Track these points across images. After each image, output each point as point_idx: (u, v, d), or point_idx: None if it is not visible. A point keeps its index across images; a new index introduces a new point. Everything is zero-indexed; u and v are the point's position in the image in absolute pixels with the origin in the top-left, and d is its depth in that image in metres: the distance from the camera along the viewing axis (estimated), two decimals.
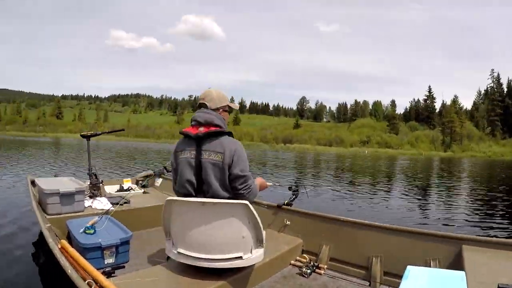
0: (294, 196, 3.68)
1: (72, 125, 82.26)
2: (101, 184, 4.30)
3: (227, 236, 2.29)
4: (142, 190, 4.85)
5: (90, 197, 4.01)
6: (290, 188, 3.73)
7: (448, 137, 70.06)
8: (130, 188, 4.78)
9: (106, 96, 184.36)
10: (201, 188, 2.30)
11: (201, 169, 2.27)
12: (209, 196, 2.28)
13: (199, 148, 2.29)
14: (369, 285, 2.79)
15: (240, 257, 2.32)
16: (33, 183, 4.15)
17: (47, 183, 3.66)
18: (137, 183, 5.12)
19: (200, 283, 2.23)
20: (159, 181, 5.23)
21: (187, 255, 2.29)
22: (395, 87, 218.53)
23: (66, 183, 3.76)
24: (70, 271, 2.01)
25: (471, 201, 10.05)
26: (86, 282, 1.92)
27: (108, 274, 2.47)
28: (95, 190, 4.12)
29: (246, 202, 2.24)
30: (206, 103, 2.41)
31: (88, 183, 4.16)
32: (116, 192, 4.62)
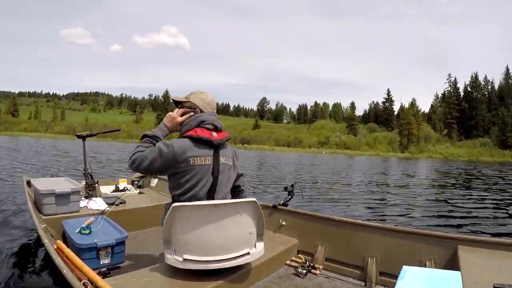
0: (289, 197, 3.68)
1: (27, 123, 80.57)
2: (96, 185, 4.28)
3: (238, 234, 2.33)
4: (138, 191, 4.84)
5: (86, 197, 3.99)
6: (285, 189, 3.74)
7: (405, 139, 71.49)
8: (125, 188, 4.76)
9: (65, 94, 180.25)
10: (213, 194, 2.31)
11: (219, 174, 2.29)
12: (220, 199, 2.32)
13: (216, 154, 2.29)
14: (365, 285, 2.80)
15: (248, 253, 2.37)
16: (28, 183, 4.13)
17: (42, 184, 3.64)
18: (132, 183, 5.11)
19: (196, 284, 2.23)
20: (154, 182, 5.22)
21: (195, 260, 2.27)
22: (355, 91, 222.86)
23: (62, 184, 3.74)
24: (65, 271, 2.01)
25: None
26: (82, 282, 1.91)
27: (104, 275, 2.47)
28: (90, 191, 4.10)
29: (254, 199, 2.32)
30: (203, 92, 2.46)
31: (84, 183, 4.14)
32: (111, 192, 4.60)
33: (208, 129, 2.29)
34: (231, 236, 2.30)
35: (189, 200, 2.25)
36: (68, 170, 11.32)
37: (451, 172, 22.07)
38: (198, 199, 2.26)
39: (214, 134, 2.28)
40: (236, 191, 2.44)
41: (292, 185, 3.75)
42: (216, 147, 2.29)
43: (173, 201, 2.29)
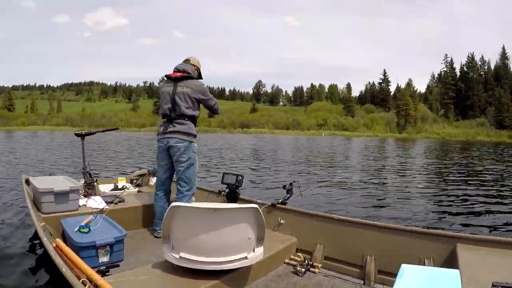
0: (288, 195, 3.69)
1: (24, 117, 78.89)
2: (95, 183, 4.28)
3: (235, 239, 2.35)
4: (137, 189, 4.83)
5: (85, 196, 3.99)
6: (284, 187, 3.74)
7: (402, 120, 71.12)
8: (124, 187, 4.76)
9: (59, 85, 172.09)
10: (174, 109, 3.49)
11: (175, 96, 3.48)
12: (179, 113, 3.48)
13: (175, 85, 3.51)
14: (364, 283, 2.80)
15: (245, 257, 2.40)
16: (27, 182, 4.12)
17: (41, 182, 3.64)
18: (131, 182, 5.11)
19: (195, 282, 2.24)
20: (153, 180, 5.21)
21: (191, 259, 2.29)
22: (350, 73, 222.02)
23: (61, 182, 3.74)
24: (64, 269, 2.01)
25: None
26: (81, 280, 1.92)
27: (103, 273, 2.47)
28: (89, 189, 4.10)
29: (256, 206, 2.36)
30: (189, 58, 3.78)
31: (83, 181, 4.14)
32: (110, 191, 4.60)
33: (174, 71, 3.62)
34: (229, 240, 2.32)
35: (162, 115, 3.62)
36: (67, 167, 11.26)
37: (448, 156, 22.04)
38: (165, 115, 3.55)
39: (178, 74, 3.56)
40: (211, 111, 3.76)
41: (290, 184, 3.75)
42: (175, 81, 3.53)
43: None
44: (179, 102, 3.47)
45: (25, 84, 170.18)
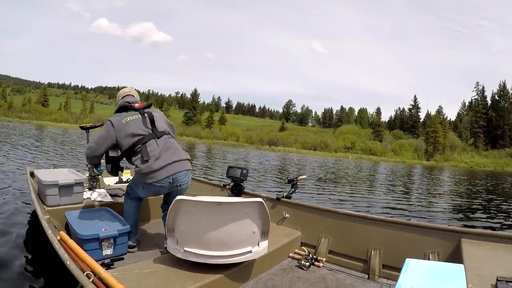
0: (293, 189, 3.68)
1: (57, 114, 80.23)
2: (100, 176, 4.28)
3: (240, 233, 2.35)
4: None
5: (89, 188, 4.00)
6: (289, 181, 3.73)
7: (431, 147, 70.61)
8: (129, 180, 4.76)
9: (93, 87, 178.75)
10: (156, 129, 3.04)
11: (153, 119, 3.08)
12: (161, 131, 3.05)
13: (143, 114, 3.09)
14: (368, 278, 2.80)
15: (250, 251, 2.39)
16: (32, 174, 4.14)
17: (46, 175, 3.65)
18: None
19: (199, 276, 2.24)
20: None
21: (195, 253, 2.30)
22: (381, 98, 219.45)
23: (65, 175, 3.75)
24: (69, 262, 2.02)
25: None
26: (85, 273, 1.92)
27: (107, 266, 2.47)
28: (94, 182, 4.10)
29: (261, 199, 2.36)
30: (132, 94, 3.34)
31: (87, 174, 4.15)
32: (115, 184, 4.61)
33: (130, 103, 3.21)
34: (233, 234, 2.32)
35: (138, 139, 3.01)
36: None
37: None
38: (146, 136, 3.01)
39: (137, 105, 3.20)
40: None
41: (296, 178, 3.74)
42: (141, 111, 3.14)
43: None
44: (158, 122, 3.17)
45: (60, 83, 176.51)
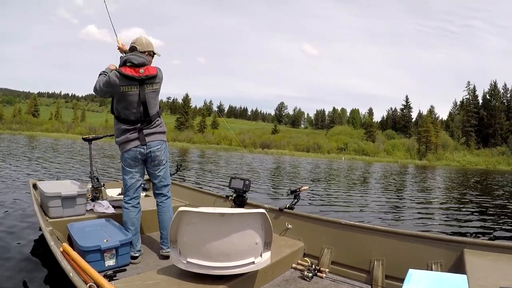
0: (295, 200, 3.68)
1: (48, 124, 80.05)
2: (102, 187, 4.29)
3: (243, 244, 2.35)
4: (144, 194, 4.83)
5: (92, 200, 4.01)
6: (291, 192, 3.74)
7: (423, 146, 70.94)
8: None
9: (83, 95, 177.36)
10: (147, 113, 3.05)
11: (146, 99, 3.01)
12: (153, 114, 3.07)
13: (142, 86, 2.99)
14: None
15: (253, 262, 2.39)
16: (35, 186, 4.15)
17: (48, 186, 3.66)
18: None
19: (200, 287, 2.24)
20: None
21: (198, 264, 2.30)
22: (373, 99, 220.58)
23: (68, 186, 3.76)
24: (72, 274, 2.02)
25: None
26: (88, 285, 1.92)
27: (110, 278, 2.48)
28: (96, 193, 4.11)
29: (264, 211, 2.36)
30: (136, 46, 3.10)
31: (90, 186, 4.16)
32: (117, 195, 4.61)
33: (129, 66, 2.98)
34: (236, 245, 2.31)
35: (131, 121, 3.08)
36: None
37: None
38: (135, 121, 3.07)
39: (141, 71, 2.97)
40: None
41: (298, 189, 3.74)
42: (141, 81, 2.99)
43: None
44: (151, 103, 3.07)
45: (50, 92, 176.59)
